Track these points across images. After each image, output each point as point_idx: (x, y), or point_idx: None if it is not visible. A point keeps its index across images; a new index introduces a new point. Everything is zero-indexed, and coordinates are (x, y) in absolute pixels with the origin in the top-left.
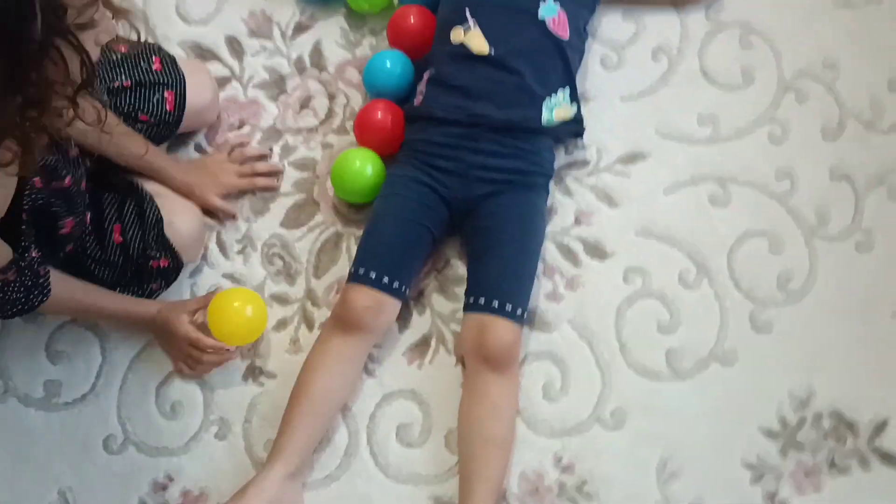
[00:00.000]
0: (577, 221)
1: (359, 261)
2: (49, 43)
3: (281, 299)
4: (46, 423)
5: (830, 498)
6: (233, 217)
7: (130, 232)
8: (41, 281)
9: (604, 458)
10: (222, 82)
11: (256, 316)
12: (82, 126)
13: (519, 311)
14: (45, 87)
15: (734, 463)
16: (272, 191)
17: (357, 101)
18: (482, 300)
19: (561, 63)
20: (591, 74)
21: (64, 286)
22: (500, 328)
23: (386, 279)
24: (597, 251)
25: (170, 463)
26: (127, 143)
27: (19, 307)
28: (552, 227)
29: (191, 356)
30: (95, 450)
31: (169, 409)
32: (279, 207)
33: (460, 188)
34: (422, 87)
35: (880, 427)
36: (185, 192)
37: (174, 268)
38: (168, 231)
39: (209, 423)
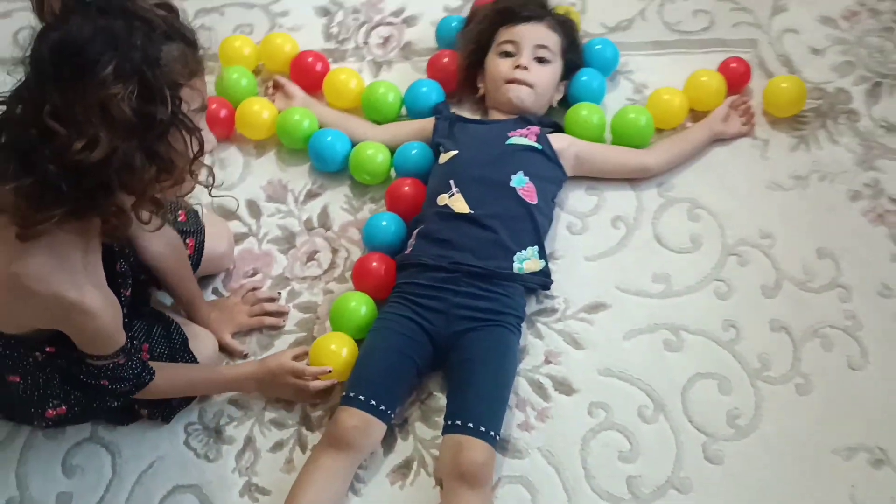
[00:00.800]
0: (547, 361)
1: (350, 385)
2: (172, 123)
3: (279, 424)
4: None
5: None
6: (243, 356)
7: (158, 349)
8: (148, 363)
9: None
10: (241, 237)
11: (350, 356)
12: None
13: (492, 433)
14: (172, 160)
15: None
16: (278, 329)
17: (356, 255)
18: (459, 422)
19: (530, 224)
20: (560, 238)
21: (167, 367)
22: (474, 447)
23: (374, 402)
24: (564, 387)
25: None
26: (188, 269)
27: (130, 385)
28: (524, 365)
29: (297, 387)
30: None
31: None
32: (283, 343)
33: (443, 325)
34: (412, 240)
35: None
36: (204, 327)
37: None
38: None
39: None
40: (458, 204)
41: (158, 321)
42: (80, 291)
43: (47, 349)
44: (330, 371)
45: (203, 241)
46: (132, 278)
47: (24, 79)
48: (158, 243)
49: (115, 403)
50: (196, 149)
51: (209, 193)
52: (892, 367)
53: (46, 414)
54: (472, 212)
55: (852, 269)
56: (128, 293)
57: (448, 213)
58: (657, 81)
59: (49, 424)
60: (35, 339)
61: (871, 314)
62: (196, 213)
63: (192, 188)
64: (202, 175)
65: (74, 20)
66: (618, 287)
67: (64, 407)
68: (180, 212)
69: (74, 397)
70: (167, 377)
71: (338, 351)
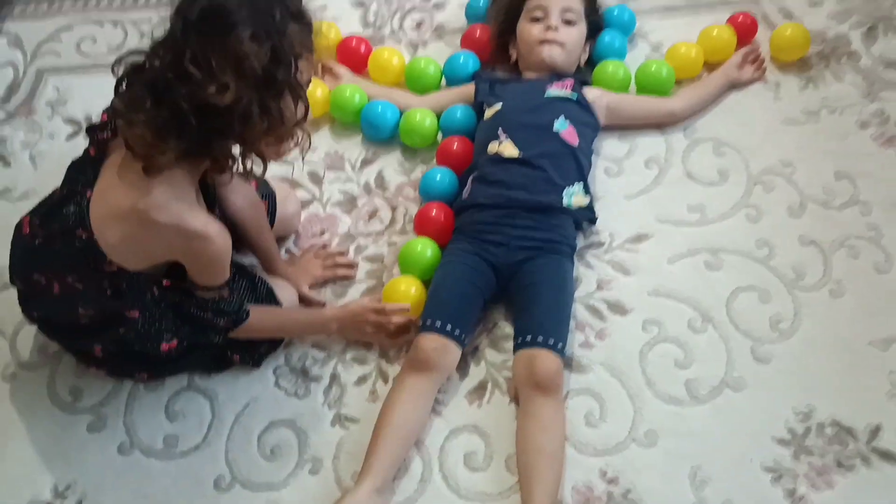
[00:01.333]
0: (600, 287)
1: (426, 314)
2: (287, 86)
3: (360, 360)
4: (165, 470)
5: (843, 493)
6: (321, 305)
7: (246, 299)
8: (245, 302)
9: (643, 471)
10: (305, 203)
11: (420, 295)
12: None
13: (560, 346)
14: (282, 118)
15: (755, 468)
16: (350, 280)
17: (414, 209)
18: (529, 338)
19: (574, 163)
20: (599, 181)
21: (260, 308)
22: (546, 358)
23: (449, 327)
24: (618, 308)
25: (270, 496)
26: (267, 224)
27: (231, 321)
28: (579, 293)
29: (379, 324)
30: (207, 488)
31: (269, 452)
32: (355, 291)
33: (504, 255)
34: (467, 187)
35: (875, 431)
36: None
37: None
38: None
39: (304, 461)
40: (508, 149)
41: (242, 274)
42: (200, 220)
43: (164, 282)
44: (408, 308)
45: (275, 203)
46: None
47: (162, 37)
48: (240, 198)
49: (217, 339)
50: (301, 114)
51: (302, 159)
52: None
53: (162, 347)
54: (522, 154)
55: (868, 187)
56: None
57: (499, 158)
58: (671, 40)
59: (161, 359)
60: (153, 273)
61: (891, 224)
62: (266, 180)
63: (291, 150)
64: (300, 139)
65: None
66: (657, 219)
67: (175, 340)
68: (252, 181)
69: (184, 331)
70: (260, 317)
71: (407, 290)
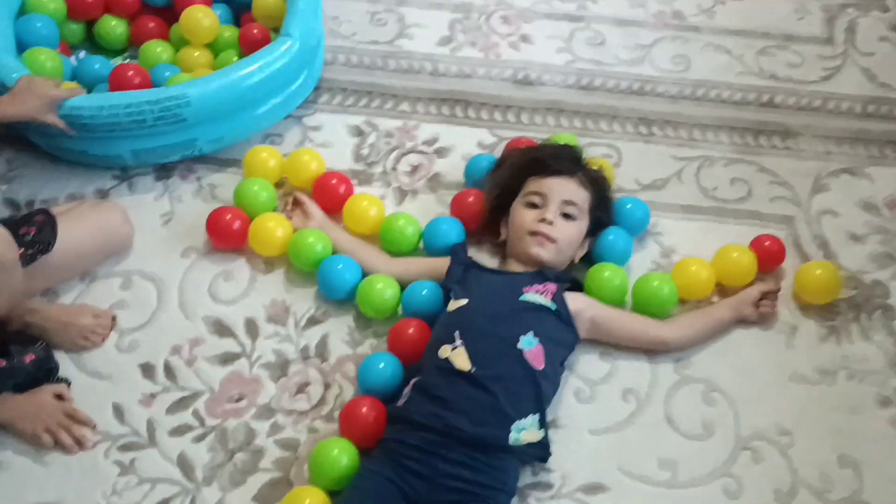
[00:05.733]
0: None
1: None
2: None
3: None
4: None
5: None
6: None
7: None
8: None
9: None
10: (233, 357)
11: None
12: None
13: None
14: None
15: None
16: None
17: (349, 393)
18: None
19: (533, 391)
20: (565, 404)
21: None
22: None
23: None
24: None
25: None
26: None
27: None
28: None
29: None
30: None
31: None
32: (255, 482)
33: (425, 492)
34: (407, 391)
35: None
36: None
37: None
38: None
39: None
40: (460, 359)
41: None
42: None
43: None
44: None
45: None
46: None
47: None
48: None
49: None
50: None
51: None
52: None
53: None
54: (473, 370)
55: (876, 484)
56: None
57: (448, 369)
58: (686, 248)
59: None
60: None
61: None
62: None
63: None
64: None
65: None
66: (620, 469)
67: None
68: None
69: None
70: None
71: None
